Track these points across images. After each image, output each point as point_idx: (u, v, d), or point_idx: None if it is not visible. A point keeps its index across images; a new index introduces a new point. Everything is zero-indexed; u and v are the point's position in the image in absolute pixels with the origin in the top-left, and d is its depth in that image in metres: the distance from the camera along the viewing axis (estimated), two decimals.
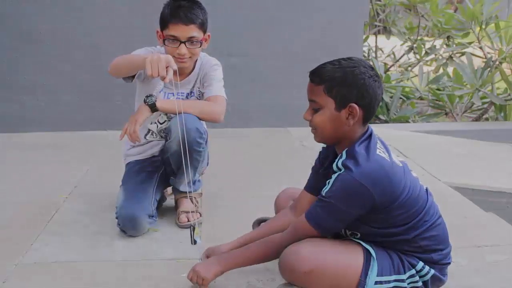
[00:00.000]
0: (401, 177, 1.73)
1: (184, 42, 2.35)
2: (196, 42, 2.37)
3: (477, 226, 2.54)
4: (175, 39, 2.35)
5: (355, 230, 1.81)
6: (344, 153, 1.75)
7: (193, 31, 2.35)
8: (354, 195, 1.68)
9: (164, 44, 2.38)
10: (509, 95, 5.28)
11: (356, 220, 1.75)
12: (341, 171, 1.71)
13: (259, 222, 2.15)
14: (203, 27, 2.39)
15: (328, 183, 1.73)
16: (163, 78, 2.11)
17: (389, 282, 1.75)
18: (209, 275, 1.83)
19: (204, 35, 2.41)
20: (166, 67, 2.10)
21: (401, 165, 1.78)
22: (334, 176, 1.73)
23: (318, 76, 1.75)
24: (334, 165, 1.76)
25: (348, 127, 1.75)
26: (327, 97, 1.73)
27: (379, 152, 1.73)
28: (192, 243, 2.08)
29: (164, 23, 2.37)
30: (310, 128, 1.83)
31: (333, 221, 1.74)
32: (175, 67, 2.14)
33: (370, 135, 1.78)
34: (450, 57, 6.03)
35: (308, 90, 1.78)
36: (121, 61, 2.34)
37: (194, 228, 2.23)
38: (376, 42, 6.68)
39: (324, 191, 1.74)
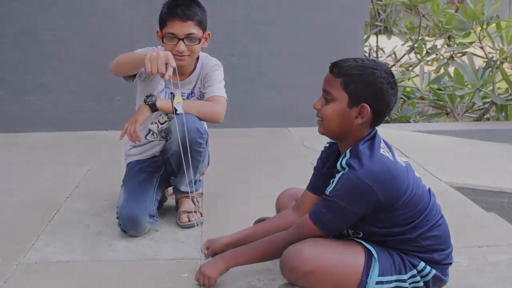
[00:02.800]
0: (405, 176, 1.73)
1: (183, 39, 2.35)
2: (195, 39, 2.37)
3: (478, 226, 2.54)
4: (173, 36, 2.35)
5: (357, 230, 1.81)
6: (347, 152, 1.75)
7: (191, 28, 2.35)
8: (359, 194, 1.68)
9: (163, 42, 2.38)
10: (510, 95, 5.28)
11: (360, 220, 1.74)
12: (345, 170, 1.71)
13: (260, 222, 2.15)
14: (201, 24, 2.38)
15: (332, 182, 1.73)
16: (162, 75, 2.11)
17: (390, 282, 1.74)
18: (214, 274, 1.85)
19: (203, 33, 2.40)
20: (166, 64, 2.10)
21: (404, 164, 1.77)
22: (338, 175, 1.72)
23: (338, 68, 1.74)
24: (338, 164, 1.76)
25: (354, 126, 1.75)
26: (342, 91, 1.73)
27: (383, 151, 1.73)
28: (173, 113, 2.21)
29: (162, 21, 2.37)
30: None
31: (338, 220, 1.74)
32: (174, 64, 2.15)
33: (374, 135, 1.78)
34: (451, 57, 6.03)
35: (325, 80, 1.77)
36: (122, 59, 2.34)
37: (174, 96, 2.24)
38: (377, 42, 6.69)
39: (328, 190, 1.73)
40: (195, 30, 2.36)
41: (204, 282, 1.86)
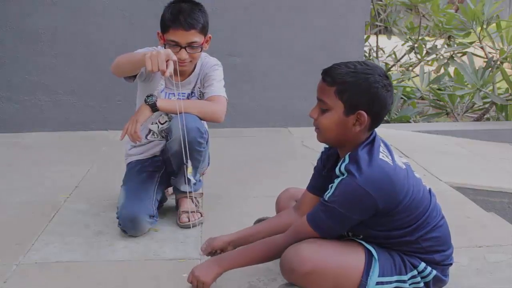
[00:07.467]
0: (404, 180, 1.71)
1: (185, 47, 2.34)
2: (197, 47, 2.37)
3: (478, 226, 2.54)
4: (176, 44, 2.34)
5: (357, 233, 1.81)
6: (347, 157, 1.73)
7: (194, 36, 2.34)
8: (357, 201, 1.67)
9: (165, 48, 2.37)
10: (510, 95, 5.28)
11: (359, 223, 1.73)
12: (344, 176, 1.69)
13: (259, 222, 2.14)
14: (203, 31, 2.38)
15: (331, 187, 1.72)
16: (163, 73, 2.11)
17: (390, 282, 1.74)
18: (208, 279, 1.82)
19: (204, 38, 2.40)
20: (166, 61, 2.10)
21: (404, 167, 1.76)
22: (337, 181, 1.71)
23: (331, 76, 1.70)
24: (337, 169, 1.74)
25: (353, 133, 1.73)
26: (337, 99, 1.70)
27: (382, 156, 1.71)
28: (185, 183, 2.34)
29: (164, 27, 2.36)
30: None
31: (335, 225, 1.73)
32: (175, 57, 2.15)
33: (374, 138, 1.76)
34: (451, 57, 6.02)
35: (319, 88, 1.74)
36: (122, 59, 2.34)
37: (187, 167, 2.32)
38: (377, 42, 6.68)
39: (326, 195, 1.72)
40: (198, 38, 2.35)
41: (198, 287, 1.84)
